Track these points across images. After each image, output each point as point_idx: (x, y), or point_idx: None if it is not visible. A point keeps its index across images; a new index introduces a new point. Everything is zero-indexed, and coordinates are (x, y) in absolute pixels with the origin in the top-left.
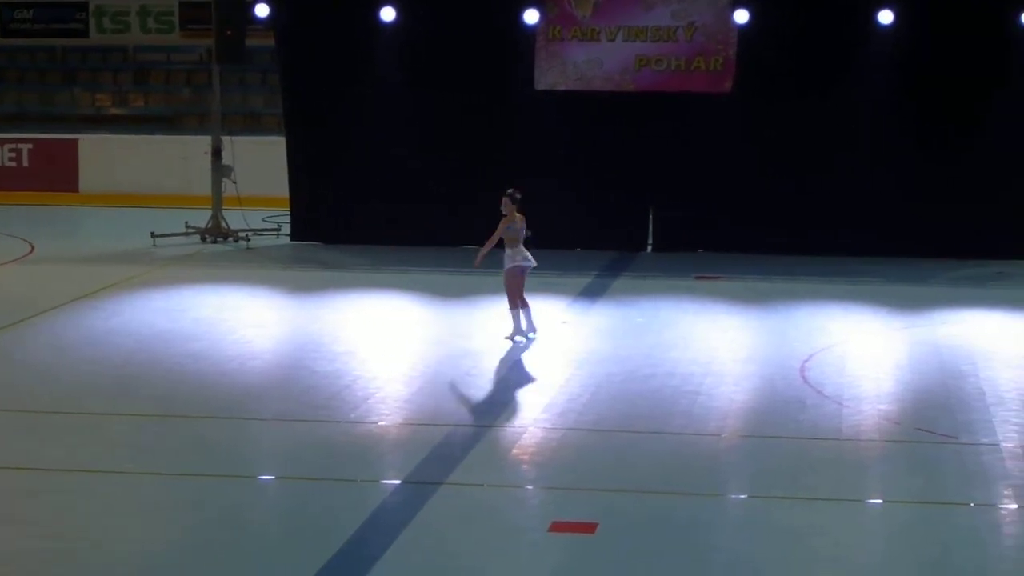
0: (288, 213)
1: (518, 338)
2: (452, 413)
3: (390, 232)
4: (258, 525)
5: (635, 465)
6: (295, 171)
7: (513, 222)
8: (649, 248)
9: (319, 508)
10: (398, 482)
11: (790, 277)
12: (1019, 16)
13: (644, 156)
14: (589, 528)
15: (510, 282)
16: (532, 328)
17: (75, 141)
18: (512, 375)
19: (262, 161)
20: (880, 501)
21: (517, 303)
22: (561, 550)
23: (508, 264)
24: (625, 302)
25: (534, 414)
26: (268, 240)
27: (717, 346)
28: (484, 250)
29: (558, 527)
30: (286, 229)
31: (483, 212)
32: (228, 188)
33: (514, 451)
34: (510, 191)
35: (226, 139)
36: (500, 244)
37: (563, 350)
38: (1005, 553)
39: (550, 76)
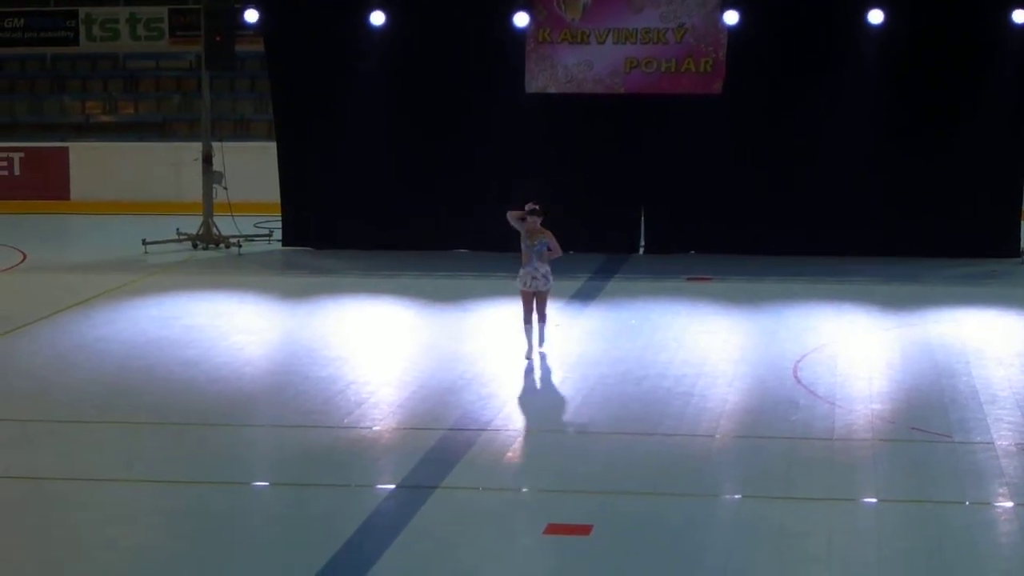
0: (279, 219)
1: (527, 357)
2: (446, 417)
3: (382, 237)
4: (253, 532)
5: (629, 467)
6: (286, 177)
7: (525, 237)
8: (641, 250)
9: (314, 514)
10: (393, 486)
11: (781, 277)
12: (1009, 15)
13: (635, 158)
14: (584, 530)
15: (523, 299)
16: (540, 340)
17: (66, 149)
18: (505, 378)
19: (253, 167)
20: (874, 501)
21: (530, 319)
22: (556, 552)
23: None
24: (617, 304)
25: (527, 417)
26: (260, 246)
27: (709, 347)
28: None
29: (553, 529)
30: (277, 235)
31: (474, 215)
32: (219, 194)
33: (508, 454)
34: (527, 205)
35: (216, 145)
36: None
37: (556, 353)
38: (1000, 552)
39: (540, 79)
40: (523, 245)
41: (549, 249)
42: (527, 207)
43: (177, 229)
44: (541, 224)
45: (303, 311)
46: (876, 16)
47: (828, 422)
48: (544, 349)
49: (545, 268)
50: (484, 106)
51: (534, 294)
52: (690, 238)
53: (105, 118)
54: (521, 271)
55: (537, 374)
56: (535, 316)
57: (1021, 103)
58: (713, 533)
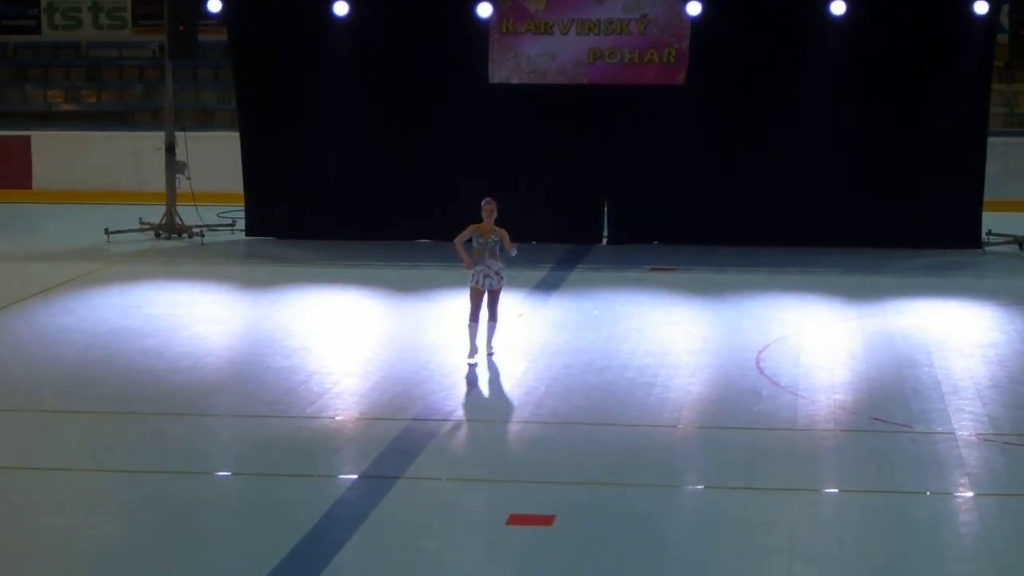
0: (243, 208)
1: (469, 361)
2: (409, 407)
3: (345, 227)
4: (215, 521)
5: (591, 457)
6: (249, 166)
7: (479, 232)
8: (604, 241)
9: (276, 503)
10: (355, 476)
11: (744, 268)
12: (971, 6)
13: (598, 149)
14: (547, 520)
15: (472, 297)
16: (489, 344)
17: (28, 138)
18: (468, 369)
19: (216, 156)
20: (836, 491)
21: (477, 317)
22: (519, 543)
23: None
24: (581, 295)
25: (490, 407)
26: (223, 236)
27: (672, 338)
28: (461, 255)
29: (516, 520)
30: (241, 225)
31: (438, 206)
32: (182, 184)
33: (471, 445)
34: (484, 200)
35: (179, 135)
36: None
37: (519, 343)
38: (960, 542)
39: (504, 70)
40: (476, 242)
41: (502, 248)
42: (483, 201)
43: (140, 218)
44: (495, 221)
45: (266, 301)
46: (838, 7)
47: (790, 412)
48: (494, 353)
49: (498, 265)
50: (447, 97)
51: (485, 292)
52: (653, 228)
53: (67, 107)
54: (473, 268)
55: (500, 365)
56: (484, 315)
57: (983, 94)
58: (675, 524)
